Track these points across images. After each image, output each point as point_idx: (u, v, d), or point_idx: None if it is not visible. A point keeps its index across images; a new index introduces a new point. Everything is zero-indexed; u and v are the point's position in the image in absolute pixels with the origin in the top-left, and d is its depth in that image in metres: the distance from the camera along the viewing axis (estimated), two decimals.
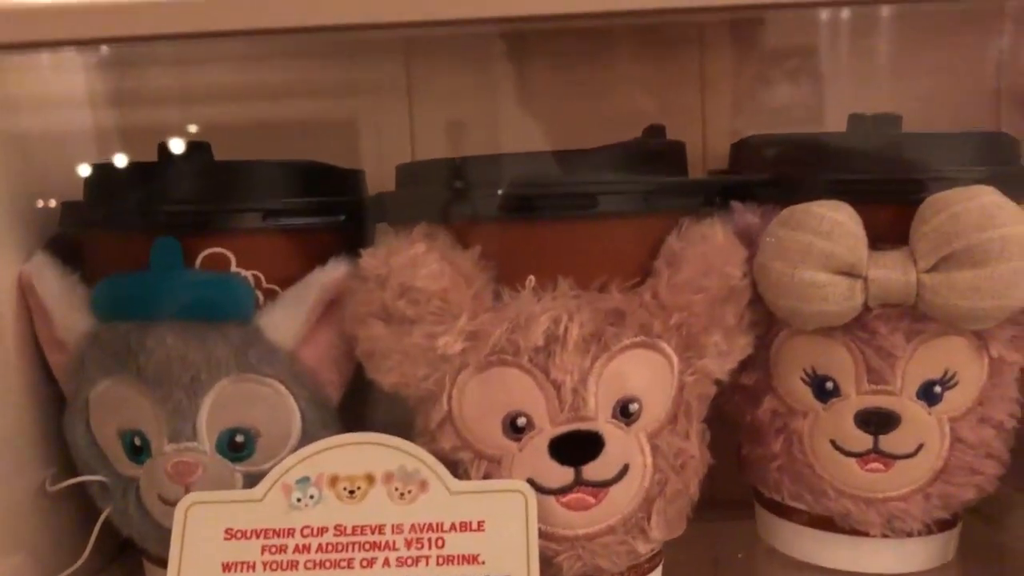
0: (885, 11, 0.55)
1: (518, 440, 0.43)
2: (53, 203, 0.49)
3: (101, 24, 0.40)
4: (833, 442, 0.47)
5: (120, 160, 0.49)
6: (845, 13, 0.56)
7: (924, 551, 0.49)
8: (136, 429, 0.46)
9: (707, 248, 0.43)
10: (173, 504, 0.43)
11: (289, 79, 0.58)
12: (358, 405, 0.49)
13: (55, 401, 0.49)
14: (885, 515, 0.47)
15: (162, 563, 0.46)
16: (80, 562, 0.47)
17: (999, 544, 0.53)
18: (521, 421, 0.43)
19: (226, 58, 0.56)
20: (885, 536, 0.48)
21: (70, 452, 0.48)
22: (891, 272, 0.43)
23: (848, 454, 0.47)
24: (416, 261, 0.41)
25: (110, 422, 0.47)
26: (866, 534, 0.48)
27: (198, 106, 0.56)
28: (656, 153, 0.45)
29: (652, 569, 0.47)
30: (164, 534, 0.44)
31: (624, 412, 0.43)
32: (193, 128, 0.53)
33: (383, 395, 0.46)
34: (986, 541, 0.53)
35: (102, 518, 0.48)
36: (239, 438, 0.46)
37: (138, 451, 0.46)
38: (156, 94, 0.56)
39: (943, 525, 0.49)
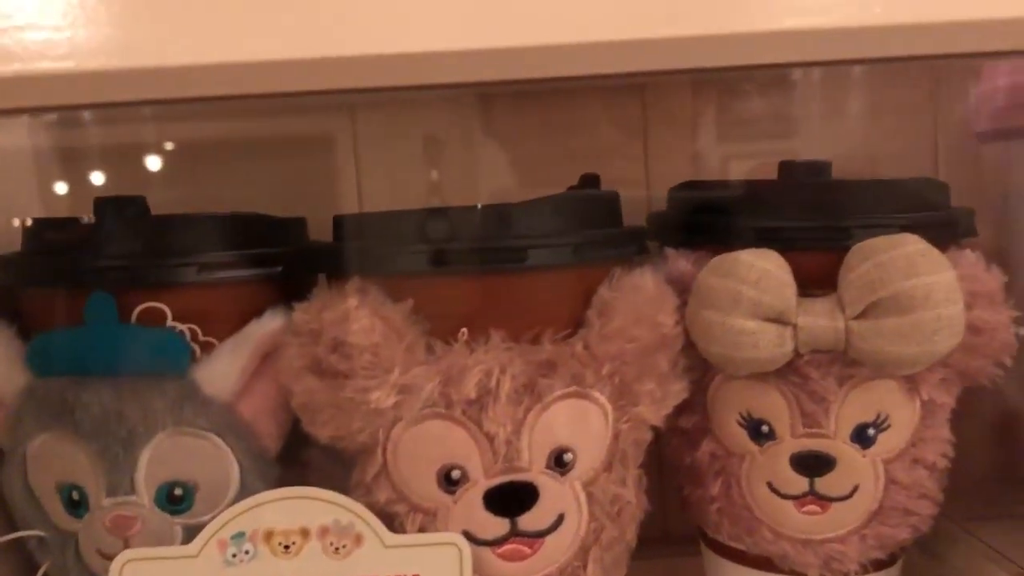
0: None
1: (452, 493, 0.43)
2: None
3: (40, 92, 0.40)
4: (770, 484, 0.48)
5: (56, 215, 0.49)
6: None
7: None
8: (74, 483, 0.46)
9: (638, 298, 0.44)
10: (112, 558, 0.43)
11: (238, 128, 0.58)
12: (296, 456, 0.49)
13: None
14: (822, 556, 0.48)
15: None
16: None
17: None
18: (455, 474, 0.43)
19: (169, 110, 0.56)
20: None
21: (8, 507, 0.48)
22: (820, 319, 0.44)
23: (785, 496, 0.48)
24: (348, 316, 0.42)
25: (48, 476, 0.47)
26: (804, 575, 0.48)
27: (137, 159, 0.56)
28: (588, 204, 0.46)
29: None
30: None
31: (558, 462, 0.43)
32: (131, 181, 0.53)
33: (321, 446, 0.47)
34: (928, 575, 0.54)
35: (41, 573, 0.47)
36: (177, 491, 0.46)
37: (76, 505, 0.46)
38: (94, 147, 0.56)
39: (880, 565, 0.49)
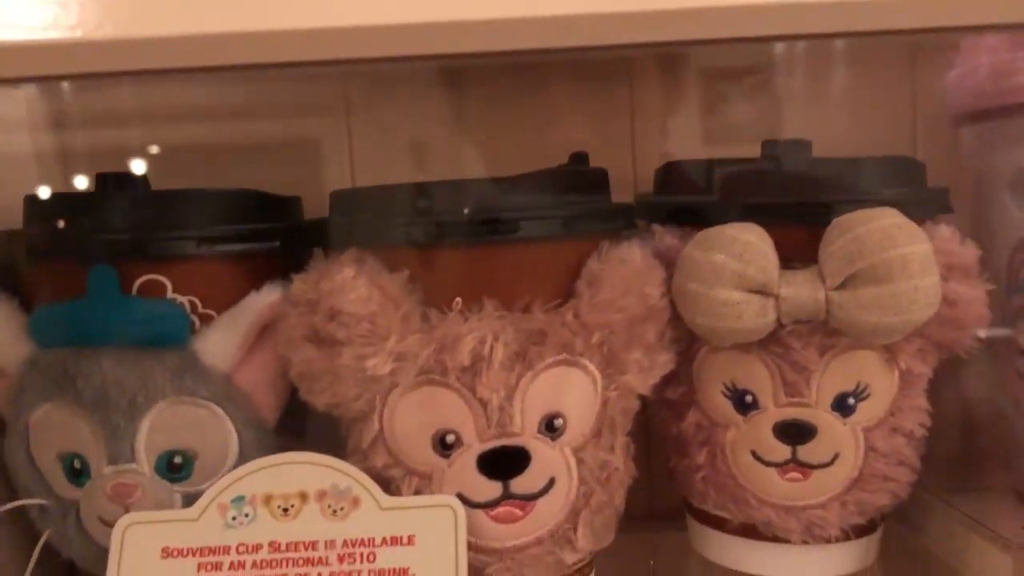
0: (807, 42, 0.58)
1: (447, 456, 0.44)
2: None
3: (45, 62, 0.41)
4: (754, 453, 0.49)
5: (58, 190, 0.50)
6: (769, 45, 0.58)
7: (845, 556, 0.51)
8: (76, 452, 0.47)
9: (626, 270, 0.45)
10: (113, 525, 0.44)
11: (229, 107, 0.60)
12: (294, 426, 0.50)
13: None
14: (804, 522, 0.49)
15: None
16: None
17: (920, 547, 0.55)
18: (450, 438, 0.44)
19: (166, 87, 0.57)
20: (805, 543, 0.50)
21: (10, 477, 0.49)
22: (801, 290, 0.45)
23: (768, 464, 0.49)
24: (345, 286, 0.43)
25: (50, 446, 0.48)
26: (788, 541, 0.50)
27: (137, 135, 0.57)
28: (578, 179, 0.47)
29: None
30: (104, 555, 0.44)
31: (549, 427, 0.45)
32: (131, 157, 0.54)
33: (318, 416, 0.48)
34: (907, 545, 0.55)
35: (42, 541, 0.48)
36: (177, 460, 0.47)
37: (78, 474, 0.47)
38: (95, 123, 0.57)
39: (861, 531, 0.51)
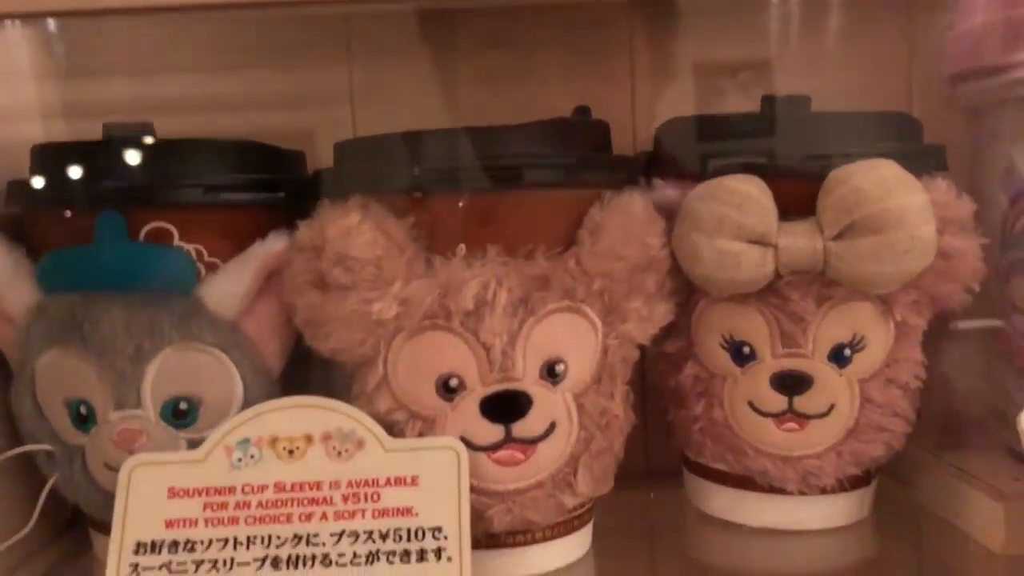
0: None
1: (450, 400, 0.45)
2: None
3: None
4: (751, 404, 0.50)
5: (65, 138, 0.51)
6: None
7: (840, 507, 0.52)
8: (82, 398, 0.48)
9: (627, 218, 0.46)
10: (118, 471, 0.45)
11: (232, 61, 0.60)
12: (297, 377, 0.51)
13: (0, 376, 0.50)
14: (801, 472, 0.50)
15: (108, 529, 0.47)
16: (27, 529, 0.49)
17: (912, 502, 0.56)
18: (453, 382, 0.45)
19: (169, 38, 0.58)
20: (802, 493, 0.51)
21: (16, 424, 0.49)
22: (799, 240, 0.46)
23: (765, 415, 0.50)
24: (351, 231, 0.43)
25: (56, 392, 0.48)
26: (783, 491, 0.51)
27: (141, 85, 0.58)
28: (581, 130, 0.48)
29: (581, 526, 0.49)
30: (110, 500, 0.45)
31: (551, 373, 0.45)
32: (137, 106, 0.54)
33: (321, 367, 0.48)
34: (900, 500, 0.56)
35: (48, 486, 0.49)
36: (183, 406, 0.47)
37: (84, 420, 0.48)
38: (102, 72, 0.58)
39: (856, 482, 0.52)
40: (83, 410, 0.48)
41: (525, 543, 0.47)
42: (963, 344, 0.56)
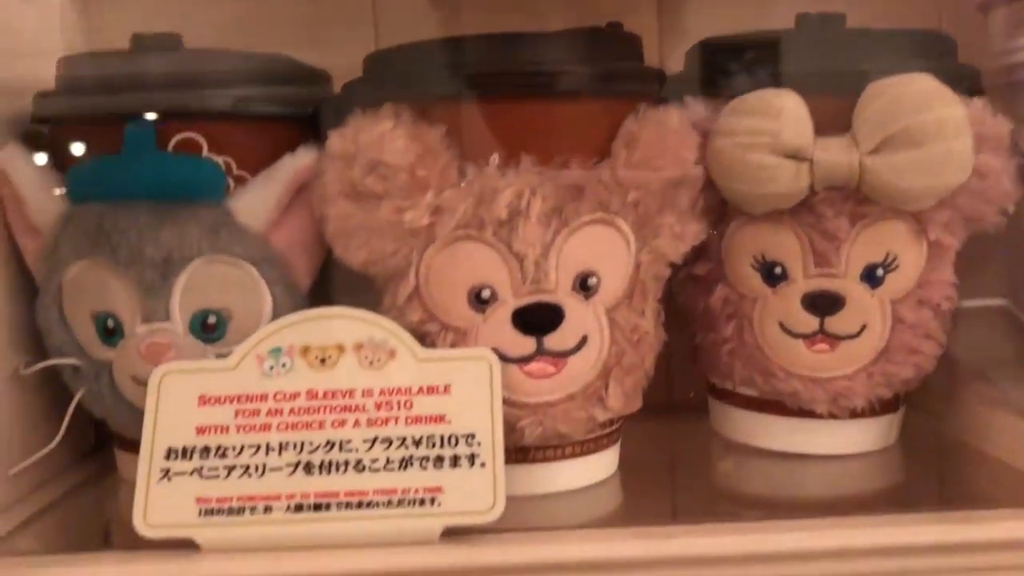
0: None
1: (483, 312, 0.45)
2: (24, 95, 0.49)
3: None
4: (781, 324, 0.50)
5: (93, 50, 0.50)
6: None
7: (869, 432, 0.52)
8: (109, 311, 0.47)
9: (663, 131, 0.45)
10: (146, 384, 0.44)
11: None
12: (326, 296, 0.50)
13: (26, 291, 0.50)
14: (831, 393, 0.50)
15: (133, 447, 0.47)
16: (54, 443, 0.48)
17: (937, 432, 0.56)
18: (485, 293, 0.44)
19: None
20: (832, 415, 0.50)
21: (42, 338, 0.49)
22: (835, 155, 0.46)
23: (796, 336, 0.50)
24: (384, 137, 0.43)
25: (83, 305, 0.48)
26: (813, 413, 0.50)
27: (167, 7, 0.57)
28: (614, 41, 0.47)
29: (610, 445, 0.49)
30: (137, 415, 0.44)
31: (583, 285, 0.45)
32: (165, 18, 0.53)
33: (349, 286, 0.48)
34: (926, 428, 0.56)
35: (75, 401, 0.49)
36: (211, 320, 0.47)
37: (111, 333, 0.47)
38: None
39: (886, 407, 0.52)
40: (110, 324, 0.47)
41: (554, 459, 0.47)
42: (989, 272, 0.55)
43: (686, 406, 0.60)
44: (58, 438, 0.49)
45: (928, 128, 0.44)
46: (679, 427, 0.60)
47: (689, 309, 0.54)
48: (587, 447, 0.48)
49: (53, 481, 0.52)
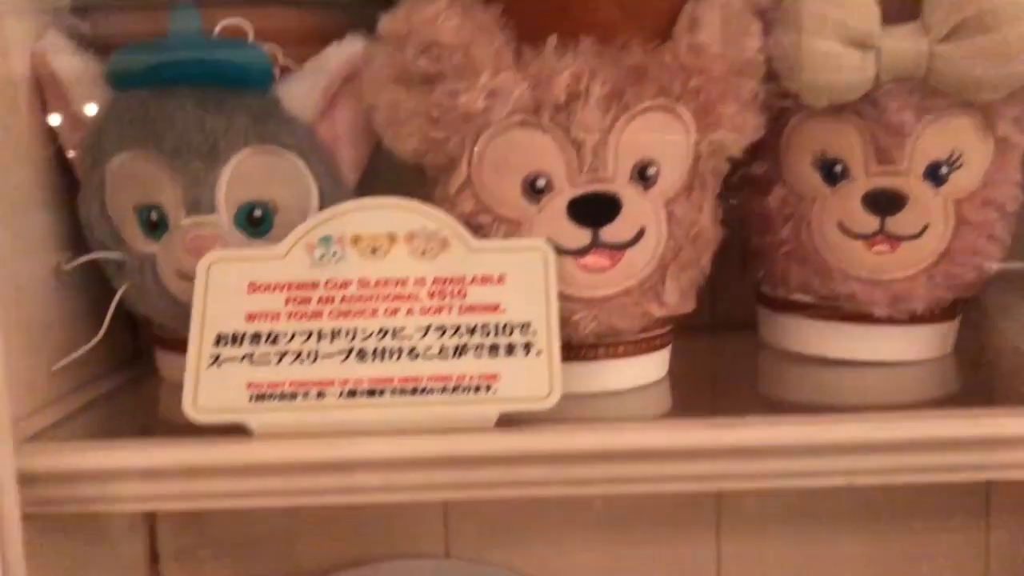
0: None
1: (537, 202, 0.43)
2: None
3: None
4: (840, 224, 0.48)
5: None
6: None
7: (925, 338, 0.51)
8: (153, 203, 0.46)
9: (726, 13, 0.44)
10: (191, 279, 0.43)
11: None
12: (372, 192, 0.49)
13: (68, 187, 0.49)
14: (890, 295, 0.48)
15: (176, 346, 0.46)
16: (97, 338, 0.48)
17: (992, 344, 0.55)
18: (540, 183, 0.43)
19: None
20: (890, 319, 0.49)
21: (84, 231, 0.48)
22: (903, 42, 0.44)
23: (855, 236, 0.48)
24: (438, 15, 0.41)
25: (127, 198, 0.47)
26: (870, 316, 0.49)
27: None
28: None
29: (663, 346, 0.48)
30: (181, 310, 0.44)
31: (642, 175, 0.44)
32: None
33: (396, 182, 0.47)
34: (982, 340, 0.55)
35: (118, 296, 0.48)
36: (257, 212, 0.46)
37: (155, 227, 0.46)
38: None
39: (945, 314, 0.50)
40: (154, 216, 0.46)
41: (605, 356, 0.46)
42: None
43: (731, 324, 0.58)
44: (102, 331, 0.48)
45: (1003, 11, 0.42)
46: (725, 343, 0.59)
47: (744, 212, 0.52)
48: (640, 346, 0.47)
49: (93, 382, 0.51)
